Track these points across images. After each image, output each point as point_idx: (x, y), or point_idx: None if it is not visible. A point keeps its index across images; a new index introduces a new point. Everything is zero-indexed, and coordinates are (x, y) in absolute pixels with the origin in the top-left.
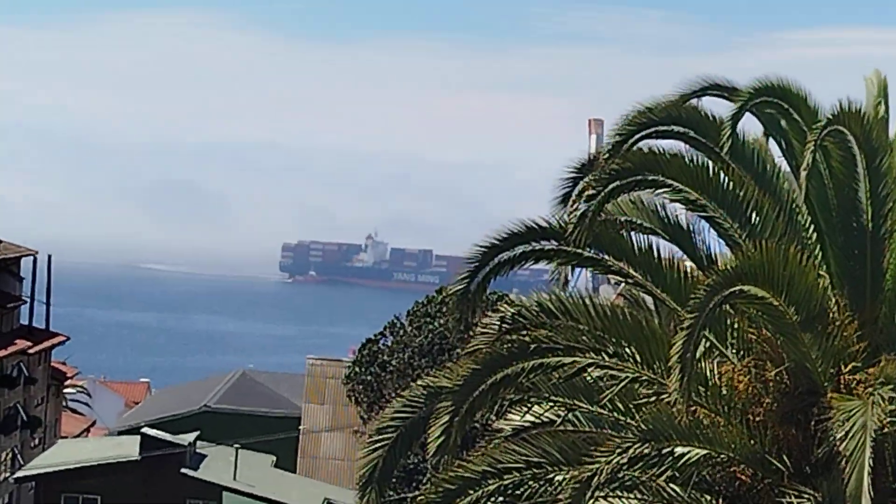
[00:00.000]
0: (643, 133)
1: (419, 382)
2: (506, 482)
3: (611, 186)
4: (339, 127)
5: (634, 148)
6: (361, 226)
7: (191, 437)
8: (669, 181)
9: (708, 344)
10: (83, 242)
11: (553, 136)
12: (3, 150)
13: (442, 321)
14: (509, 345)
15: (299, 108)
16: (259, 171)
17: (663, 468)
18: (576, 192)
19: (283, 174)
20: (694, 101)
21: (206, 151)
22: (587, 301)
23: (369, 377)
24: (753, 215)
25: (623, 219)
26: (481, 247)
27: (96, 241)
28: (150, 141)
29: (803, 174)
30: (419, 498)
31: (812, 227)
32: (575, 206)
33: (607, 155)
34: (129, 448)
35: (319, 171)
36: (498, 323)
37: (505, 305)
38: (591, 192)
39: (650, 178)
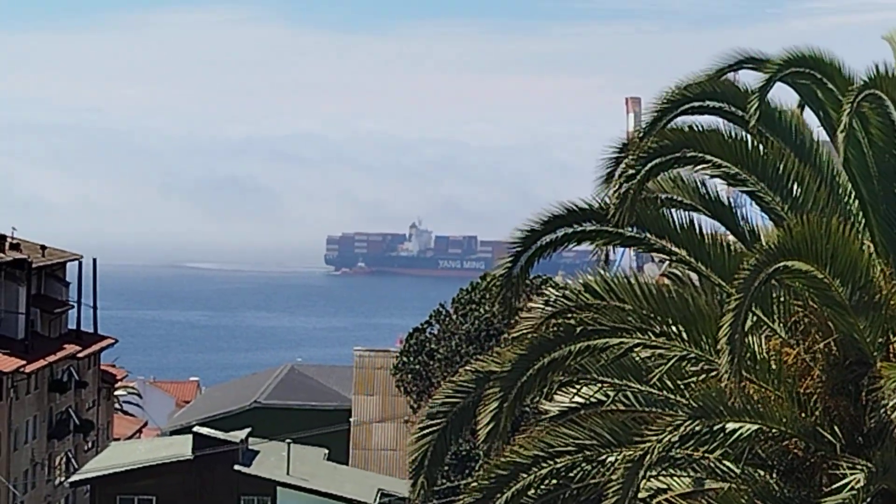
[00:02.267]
0: (679, 110)
1: (467, 368)
2: (558, 465)
3: (649, 165)
4: (378, 115)
5: (671, 125)
6: (409, 213)
7: (242, 433)
8: (708, 157)
9: (755, 319)
10: (127, 243)
11: (593, 115)
12: (46, 151)
13: (487, 307)
14: (556, 328)
15: (337, 99)
16: (301, 164)
17: (715, 444)
18: (618, 172)
19: (325, 165)
20: (730, 75)
21: (247, 146)
22: (632, 281)
23: (417, 366)
24: (794, 187)
25: (664, 196)
26: (523, 231)
27: (140, 242)
28: (191, 137)
29: (841, 136)
30: (471, 484)
31: (854, 196)
32: (616, 187)
33: (644, 134)
34: (181, 448)
35: (361, 161)
36: (543, 306)
37: (550, 289)
38: (630, 171)
39: (689, 154)
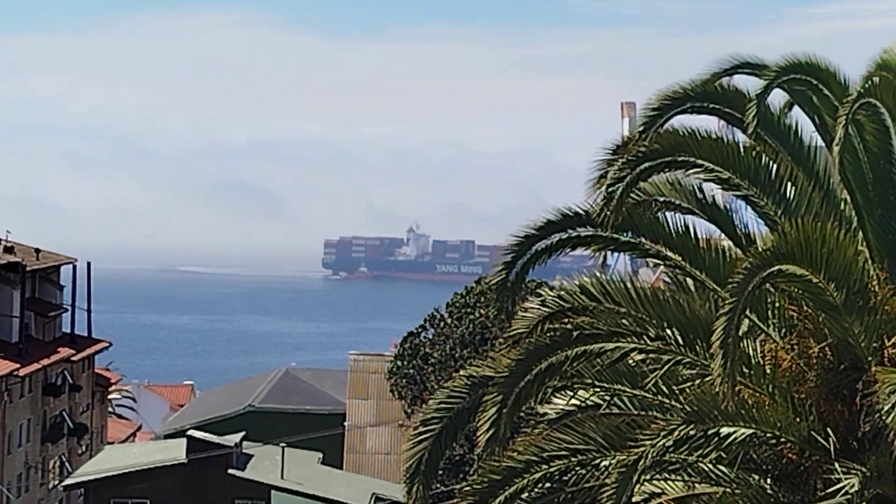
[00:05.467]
0: (674, 112)
1: (462, 372)
2: (552, 469)
3: (640, 168)
4: (383, 119)
5: (665, 128)
6: (417, 217)
7: (236, 437)
8: (701, 161)
9: (750, 324)
10: (136, 246)
11: (596, 118)
12: (58, 153)
13: (482, 311)
14: (552, 333)
15: (341, 102)
16: (307, 167)
17: (709, 449)
18: (609, 175)
19: (331, 169)
20: (726, 80)
21: (254, 149)
22: (628, 285)
23: (412, 370)
24: (789, 192)
25: (661, 199)
26: (518, 236)
27: (148, 245)
28: (197, 141)
29: (836, 148)
30: (466, 489)
31: (849, 201)
32: (606, 190)
33: (638, 136)
34: (175, 451)
35: (368, 164)
36: (539, 307)
37: (545, 290)
38: (620, 174)
39: (681, 158)
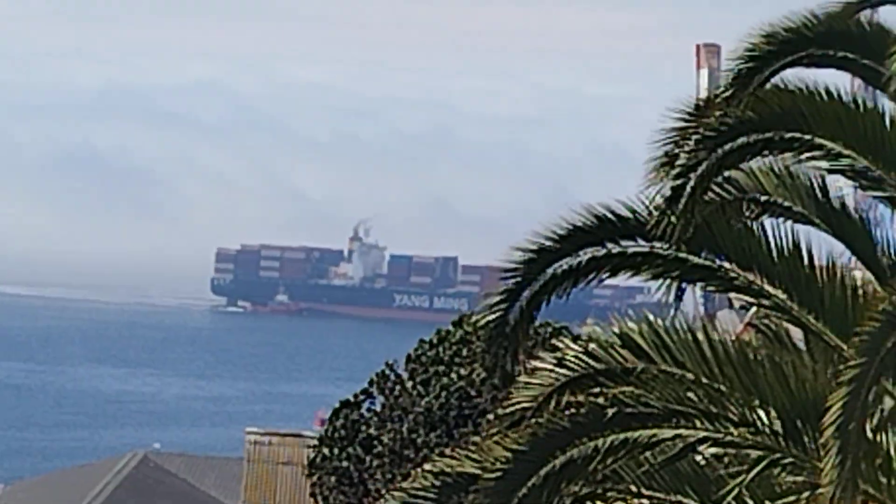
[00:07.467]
0: (783, 62)
1: (429, 467)
2: None
3: (726, 147)
4: (321, 60)
5: (766, 87)
6: (367, 216)
7: None
8: (823, 141)
9: (893, 405)
10: None
11: (653, 68)
12: None
13: (464, 371)
14: (575, 410)
15: (255, 33)
16: (197, 131)
17: None
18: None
19: (235, 134)
20: (867, 14)
21: (111, 101)
22: (699, 336)
23: (346, 462)
24: None
25: (761, 199)
26: (526, 251)
27: None
28: (25, 89)
29: None
30: None
31: None
32: (672, 181)
33: (726, 96)
34: None
35: (294, 130)
36: (553, 367)
37: (565, 341)
38: (695, 156)
39: (789, 135)
